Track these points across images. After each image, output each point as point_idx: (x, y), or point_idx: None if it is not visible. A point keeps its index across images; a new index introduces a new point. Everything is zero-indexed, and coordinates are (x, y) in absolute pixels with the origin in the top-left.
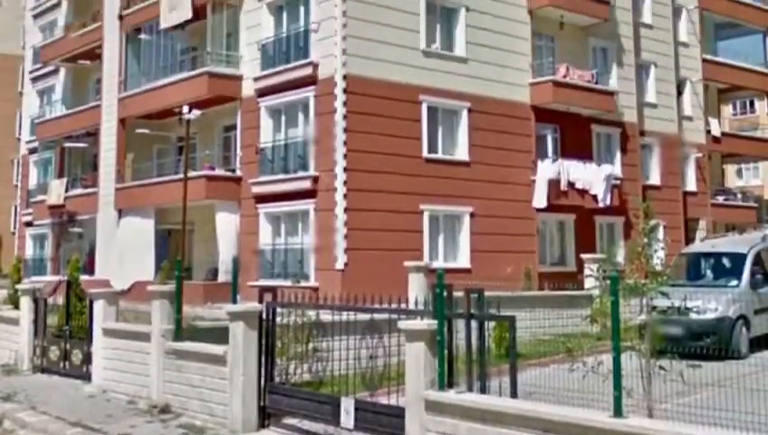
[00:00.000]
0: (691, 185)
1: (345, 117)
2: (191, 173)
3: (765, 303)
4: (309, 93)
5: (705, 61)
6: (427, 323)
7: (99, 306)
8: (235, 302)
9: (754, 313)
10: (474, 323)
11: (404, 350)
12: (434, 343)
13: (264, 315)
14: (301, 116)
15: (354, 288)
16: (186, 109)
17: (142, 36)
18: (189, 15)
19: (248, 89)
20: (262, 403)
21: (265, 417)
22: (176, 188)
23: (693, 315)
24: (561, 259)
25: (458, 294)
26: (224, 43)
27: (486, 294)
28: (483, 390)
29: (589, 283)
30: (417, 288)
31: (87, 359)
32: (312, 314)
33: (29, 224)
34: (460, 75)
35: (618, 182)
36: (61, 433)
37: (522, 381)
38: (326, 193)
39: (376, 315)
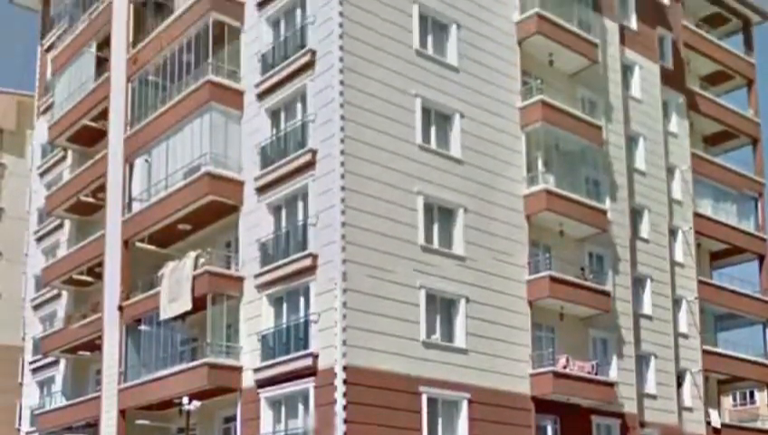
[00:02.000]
0: None
1: (345, 408)
2: None
3: None
4: (309, 384)
5: (705, 352)
6: None
7: None
8: None
9: None
10: None
11: None
12: None
13: None
14: (301, 407)
15: None
16: (186, 400)
17: (142, 327)
18: (189, 307)
19: (248, 380)
20: None
21: None
22: None
23: None
24: None
25: None
26: (224, 333)
27: None
28: None
29: None
30: None
31: None
32: None
33: None
34: (460, 366)
35: None
36: None
37: None
38: None
39: None
